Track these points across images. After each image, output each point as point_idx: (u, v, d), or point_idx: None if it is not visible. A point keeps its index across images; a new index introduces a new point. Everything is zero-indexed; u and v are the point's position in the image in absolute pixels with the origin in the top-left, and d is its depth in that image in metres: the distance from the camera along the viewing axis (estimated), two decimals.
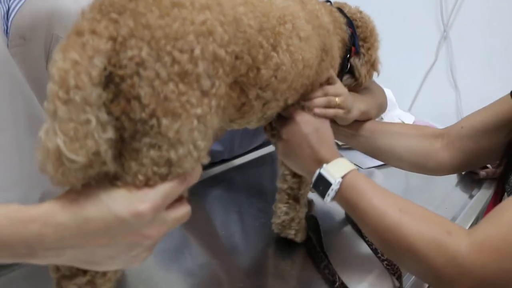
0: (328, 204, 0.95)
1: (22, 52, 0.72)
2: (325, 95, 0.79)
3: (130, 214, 0.45)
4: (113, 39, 0.45)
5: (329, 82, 0.80)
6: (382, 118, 1.52)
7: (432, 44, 1.72)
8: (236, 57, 0.57)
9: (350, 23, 0.90)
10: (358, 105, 0.87)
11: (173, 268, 0.79)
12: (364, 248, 0.89)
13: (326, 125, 0.77)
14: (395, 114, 1.59)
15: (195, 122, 0.48)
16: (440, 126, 1.63)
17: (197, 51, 0.47)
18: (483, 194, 1.18)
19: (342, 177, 0.68)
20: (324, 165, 0.70)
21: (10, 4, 0.70)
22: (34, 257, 0.44)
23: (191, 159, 0.50)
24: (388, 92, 1.64)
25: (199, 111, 0.48)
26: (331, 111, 0.78)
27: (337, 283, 0.76)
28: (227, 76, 0.54)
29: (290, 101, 0.73)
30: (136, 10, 0.46)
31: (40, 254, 0.44)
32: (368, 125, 0.93)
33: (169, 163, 0.48)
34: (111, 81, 0.45)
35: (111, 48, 0.44)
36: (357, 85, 0.93)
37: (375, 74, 0.96)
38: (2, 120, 0.70)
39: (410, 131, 0.95)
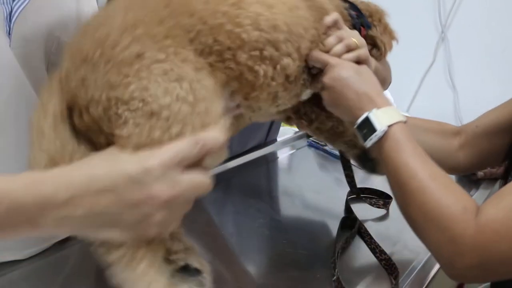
0: (324, 204, 0.96)
1: (24, 54, 0.73)
2: (340, 40, 0.76)
3: (137, 169, 0.45)
4: None
5: (337, 27, 0.78)
6: None
7: (430, 45, 1.73)
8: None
9: (353, 6, 0.89)
10: (372, 60, 0.83)
11: None
12: (363, 247, 0.89)
13: (366, 69, 0.76)
14: None
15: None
16: None
17: None
18: (481, 194, 1.18)
19: (389, 126, 0.68)
20: (374, 110, 0.69)
21: (13, 6, 0.71)
22: (45, 222, 0.44)
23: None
24: (386, 93, 1.65)
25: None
26: (352, 54, 0.76)
27: (335, 277, 0.76)
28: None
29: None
30: None
31: (51, 218, 0.44)
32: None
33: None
34: None
35: None
36: (381, 56, 0.93)
37: None
38: (4, 122, 0.70)
39: (433, 126, 0.95)
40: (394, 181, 0.68)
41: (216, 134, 0.51)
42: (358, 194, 1.05)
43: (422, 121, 0.98)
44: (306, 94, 0.80)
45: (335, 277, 0.76)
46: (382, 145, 0.69)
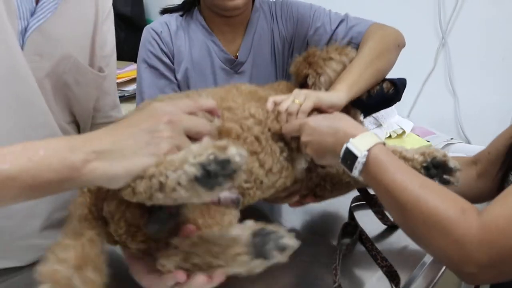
0: (327, 210, 0.95)
1: (37, 69, 0.74)
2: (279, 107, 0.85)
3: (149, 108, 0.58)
4: None
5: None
6: (381, 125, 1.53)
7: (431, 51, 1.73)
8: None
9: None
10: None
11: None
12: (364, 255, 0.89)
13: (334, 114, 0.83)
14: (394, 120, 1.60)
15: None
16: (438, 132, 1.64)
17: None
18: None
19: (368, 150, 0.70)
20: (351, 139, 0.73)
21: (30, 21, 0.71)
22: (79, 158, 0.51)
23: None
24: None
25: None
26: (305, 106, 0.84)
27: (336, 284, 0.76)
28: None
29: None
30: None
31: (83, 152, 0.51)
32: None
33: None
34: None
35: None
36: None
37: None
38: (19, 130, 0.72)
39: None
40: (388, 201, 0.70)
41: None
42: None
43: None
44: (301, 163, 0.90)
45: (336, 284, 0.76)
46: (367, 170, 0.71)
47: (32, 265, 0.80)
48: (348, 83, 0.93)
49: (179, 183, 0.52)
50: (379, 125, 1.52)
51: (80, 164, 0.51)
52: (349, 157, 0.72)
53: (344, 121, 0.79)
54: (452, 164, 0.76)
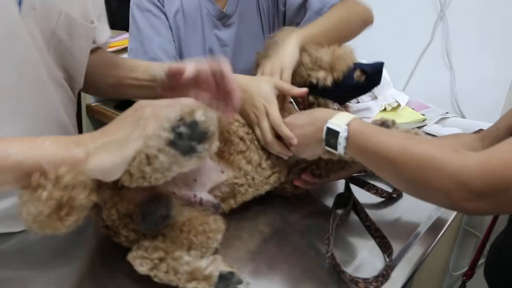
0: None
1: (32, 23, 0.72)
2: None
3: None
4: None
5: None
6: (376, 98, 1.51)
7: (428, 24, 1.71)
8: None
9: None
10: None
11: None
12: (358, 225, 0.89)
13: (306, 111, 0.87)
14: (389, 93, 1.59)
15: None
16: (434, 106, 1.63)
17: None
18: None
19: (347, 124, 0.74)
20: (328, 120, 0.76)
21: None
22: (85, 157, 0.56)
23: None
24: (383, 72, 1.64)
25: None
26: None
27: (328, 254, 0.77)
28: None
29: None
30: None
31: (87, 152, 0.57)
32: None
33: None
34: None
35: None
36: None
37: (371, 54, 0.96)
38: (15, 88, 0.71)
39: (459, 138, 0.96)
40: (377, 163, 0.72)
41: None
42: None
43: (448, 137, 0.99)
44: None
45: (329, 254, 0.76)
46: (351, 142, 0.74)
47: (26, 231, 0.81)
48: (304, 32, 0.99)
49: (158, 149, 0.55)
50: (374, 98, 1.50)
51: (83, 156, 0.56)
52: (332, 137, 0.76)
53: (318, 111, 0.84)
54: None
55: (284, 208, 0.96)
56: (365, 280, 0.72)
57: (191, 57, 1.26)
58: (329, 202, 0.96)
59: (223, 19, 1.27)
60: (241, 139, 0.88)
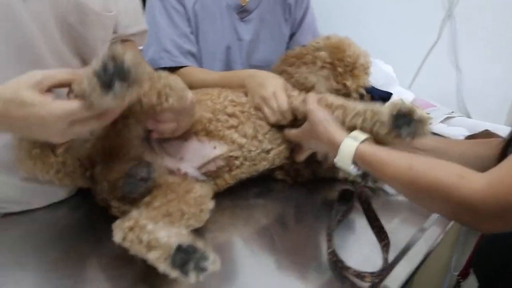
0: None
1: (37, 7, 0.72)
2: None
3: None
4: None
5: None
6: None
7: (436, 22, 1.69)
8: None
9: None
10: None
11: None
12: (359, 221, 0.89)
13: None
14: (395, 90, 1.57)
15: None
16: (439, 105, 1.62)
17: None
18: None
19: (353, 162, 0.77)
20: (335, 161, 0.80)
21: None
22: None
23: None
24: (389, 69, 1.63)
25: None
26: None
27: (330, 250, 0.76)
28: None
29: None
30: None
31: None
32: (431, 142, 0.92)
33: None
34: None
35: None
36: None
37: (378, 51, 0.97)
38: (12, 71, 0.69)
39: (477, 142, 0.95)
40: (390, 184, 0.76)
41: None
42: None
43: (456, 146, 0.96)
44: None
45: (330, 250, 0.76)
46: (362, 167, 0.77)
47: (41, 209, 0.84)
48: None
49: (86, 76, 0.58)
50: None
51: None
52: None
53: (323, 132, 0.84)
54: (418, 113, 0.78)
55: (285, 202, 0.95)
56: (371, 273, 0.71)
57: (208, 47, 1.27)
58: (332, 197, 0.96)
59: (242, 13, 1.27)
60: (232, 115, 0.93)
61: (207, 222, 0.79)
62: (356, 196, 0.90)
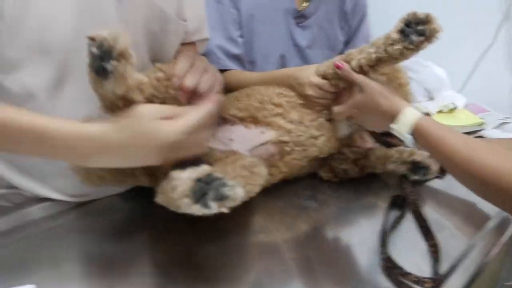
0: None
1: (123, 14, 0.74)
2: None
3: None
4: None
5: None
6: (433, 99, 1.47)
7: (492, 25, 1.64)
8: None
9: None
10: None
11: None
12: (411, 228, 0.87)
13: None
14: (446, 94, 1.54)
15: None
16: (493, 110, 1.57)
17: None
18: None
19: (411, 133, 0.80)
20: (391, 125, 0.84)
21: None
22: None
23: None
24: (441, 72, 1.59)
25: None
26: None
27: (384, 256, 0.75)
28: None
29: None
30: None
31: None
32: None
33: None
34: None
35: None
36: None
37: (430, 53, 0.96)
38: None
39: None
40: (446, 166, 0.78)
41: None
42: None
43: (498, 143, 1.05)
44: (343, 129, 1.00)
45: (384, 256, 0.75)
46: (419, 142, 0.80)
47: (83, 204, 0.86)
48: None
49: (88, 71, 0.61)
50: (431, 99, 1.46)
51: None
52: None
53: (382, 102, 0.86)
54: (423, 14, 0.82)
55: (336, 205, 0.95)
56: (432, 280, 0.70)
57: (262, 51, 1.28)
58: (377, 198, 0.96)
59: (299, 18, 1.27)
60: (278, 105, 0.95)
61: (253, 224, 0.79)
62: (405, 209, 0.90)
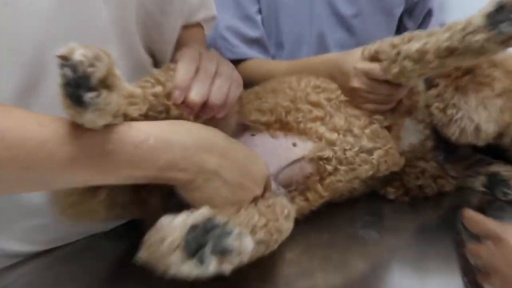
0: None
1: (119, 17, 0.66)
2: None
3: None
4: None
5: None
6: None
7: None
8: None
9: None
10: None
11: None
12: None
13: None
14: None
15: None
16: None
17: None
18: None
19: None
20: None
21: None
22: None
23: None
24: None
25: None
26: None
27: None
28: None
29: None
30: None
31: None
32: None
33: None
34: None
35: None
36: None
37: None
38: None
39: None
40: None
41: None
42: None
43: None
44: (410, 134, 0.81)
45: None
46: None
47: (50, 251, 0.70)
48: None
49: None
50: None
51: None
52: None
53: None
54: None
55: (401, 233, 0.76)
56: None
57: (291, 28, 1.07)
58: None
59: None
60: (316, 104, 0.75)
61: (285, 263, 0.64)
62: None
